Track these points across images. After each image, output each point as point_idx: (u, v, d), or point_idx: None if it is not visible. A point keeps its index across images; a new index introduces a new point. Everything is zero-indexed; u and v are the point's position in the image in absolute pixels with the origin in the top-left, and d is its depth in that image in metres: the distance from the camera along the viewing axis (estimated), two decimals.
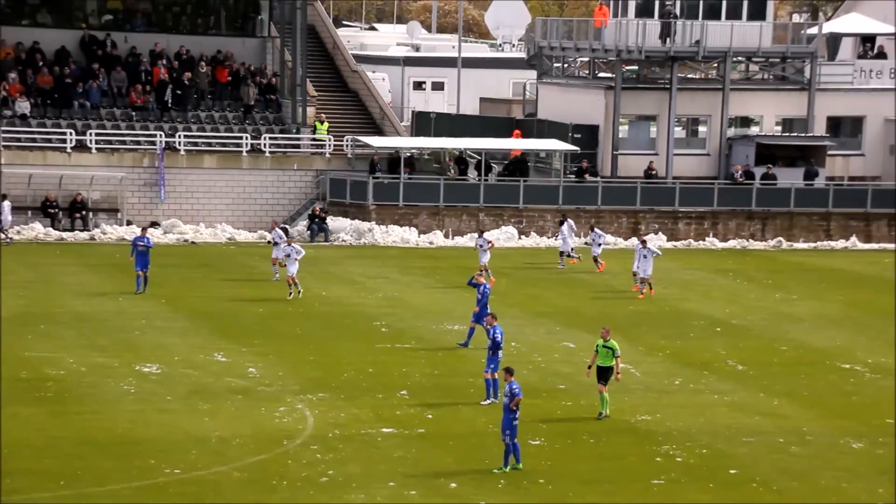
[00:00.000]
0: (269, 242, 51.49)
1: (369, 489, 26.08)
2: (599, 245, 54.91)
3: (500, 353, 31.24)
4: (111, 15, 70.59)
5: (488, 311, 38.48)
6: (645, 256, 49.16)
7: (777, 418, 30.88)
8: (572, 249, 55.09)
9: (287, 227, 61.30)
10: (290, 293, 46.06)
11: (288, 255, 46.78)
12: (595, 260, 54.27)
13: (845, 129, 71.83)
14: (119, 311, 43.49)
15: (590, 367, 32.20)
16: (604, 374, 31.63)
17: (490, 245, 51.42)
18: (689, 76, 72.16)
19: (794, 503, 24.51)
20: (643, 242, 49.95)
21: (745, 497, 24.98)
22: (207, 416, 30.89)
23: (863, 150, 71.88)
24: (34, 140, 60.85)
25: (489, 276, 46.55)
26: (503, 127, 72.29)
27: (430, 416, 31.46)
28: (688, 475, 26.55)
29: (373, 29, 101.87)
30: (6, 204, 56.35)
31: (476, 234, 55.18)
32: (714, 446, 28.51)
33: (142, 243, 46.80)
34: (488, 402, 31.43)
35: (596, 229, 55.62)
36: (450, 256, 56.45)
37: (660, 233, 63.45)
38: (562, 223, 56.71)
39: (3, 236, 56.34)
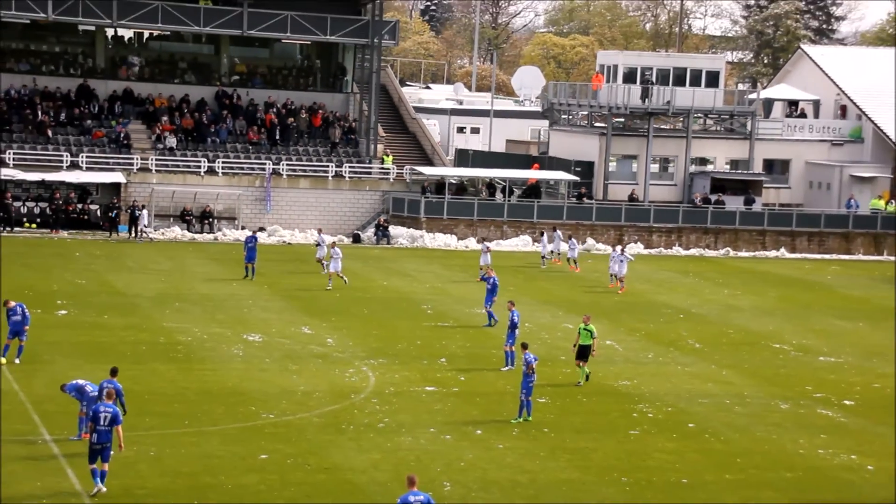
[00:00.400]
0: (315, 244, 49.05)
1: (415, 433, 25.44)
2: (574, 250, 53.26)
3: (517, 331, 30.24)
4: (238, 76, 67.14)
5: (496, 295, 37.79)
6: (621, 261, 48.15)
7: (724, 384, 29.68)
8: (551, 252, 53.36)
9: (359, 233, 59.36)
10: (329, 285, 43.84)
11: (331, 256, 44.32)
12: (571, 261, 52.94)
13: (777, 168, 69.44)
14: (232, 293, 42.39)
15: (574, 345, 31.59)
16: (583, 351, 31.07)
17: (489, 249, 49.77)
18: (662, 126, 70.42)
19: (737, 450, 23.62)
20: (621, 249, 48.49)
21: (700, 445, 24.09)
22: (295, 375, 30.12)
23: (790, 183, 69.90)
24: (178, 166, 57.72)
25: (489, 270, 45.07)
26: (523, 162, 69.22)
27: (462, 379, 30.65)
28: (657, 427, 25.74)
29: (428, 88, 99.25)
30: (145, 212, 54.45)
31: (481, 241, 53.23)
32: (677, 405, 27.67)
33: (251, 243, 45.26)
34: (507, 369, 30.66)
35: (572, 238, 54.19)
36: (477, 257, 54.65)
37: (638, 242, 59.68)
38: (554, 229, 55.10)
39: (144, 236, 54.43)
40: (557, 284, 48.15)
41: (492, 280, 36.70)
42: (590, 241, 58.93)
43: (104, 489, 19.34)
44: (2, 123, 56.52)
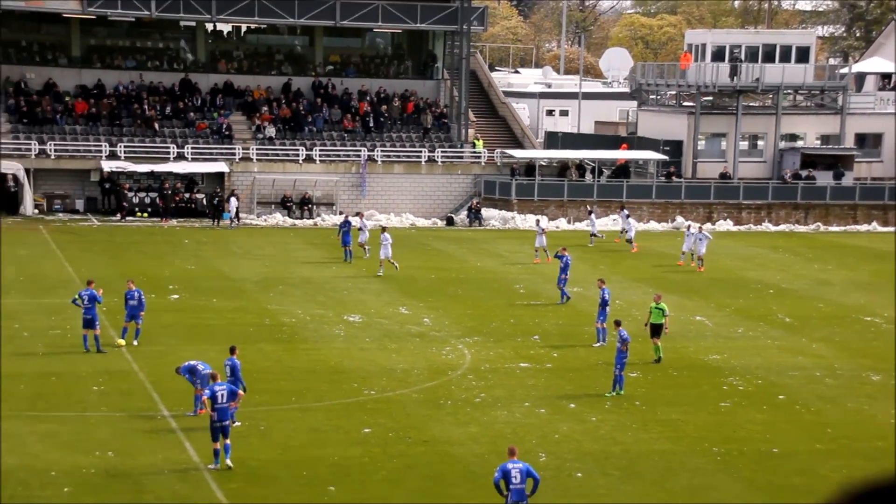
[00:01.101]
0: (358, 229, 47.51)
1: (510, 408, 25.48)
2: (631, 230, 52.88)
3: (608, 308, 30.23)
4: (332, 66, 67.67)
5: (566, 273, 37.36)
6: (700, 239, 46.86)
7: (815, 357, 29.43)
8: (624, 231, 52.42)
9: (452, 216, 60.81)
10: (380, 271, 42.26)
11: (381, 242, 42.76)
12: (630, 241, 52.73)
13: (869, 142, 67.59)
14: (333, 276, 42.71)
15: (646, 324, 31.36)
16: (656, 329, 30.79)
17: (544, 231, 48.22)
18: (751, 104, 69.10)
19: (828, 420, 23.55)
20: (699, 227, 47.35)
21: (791, 416, 24.10)
22: (394, 353, 30.43)
23: (882, 157, 67.99)
24: (277, 155, 58.72)
25: (546, 255, 44.44)
26: (612, 142, 68.27)
27: (555, 355, 30.70)
28: (747, 399, 25.68)
29: (517, 72, 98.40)
30: (234, 200, 54.77)
31: (537, 221, 51.75)
32: (767, 378, 27.53)
33: (345, 227, 45.18)
34: (598, 345, 30.67)
35: (630, 217, 53.70)
36: (570, 237, 54.32)
37: (728, 219, 59.15)
38: (622, 208, 54.68)
39: (235, 222, 54.80)
40: (645, 262, 48.15)
41: (565, 259, 36.50)
42: (679, 218, 58.11)
43: (231, 465, 20.33)
44: (112, 118, 58.19)
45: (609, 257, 47.89)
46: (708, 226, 54.31)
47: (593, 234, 52.42)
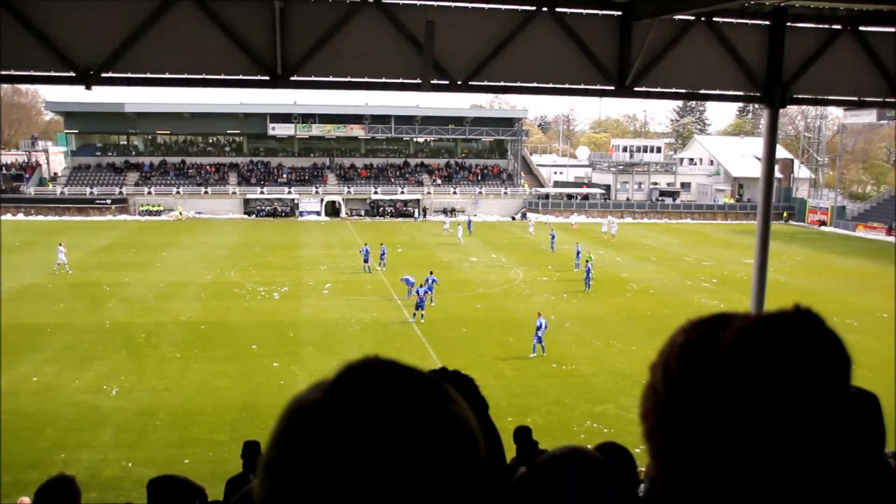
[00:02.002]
0: (467, 222, 67.53)
1: (539, 296, 39.44)
2: (614, 226, 68.97)
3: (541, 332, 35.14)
4: (464, 153, 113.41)
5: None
6: (613, 224, 61.90)
7: None
8: None
9: (514, 216, 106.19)
10: (460, 242, 59.03)
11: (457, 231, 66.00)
12: (612, 235, 68.29)
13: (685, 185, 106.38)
14: (453, 241, 64.01)
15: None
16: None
17: (575, 225, 67.26)
18: (637, 168, 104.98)
19: None
20: (614, 221, 62.82)
21: None
22: (490, 273, 46.58)
23: (691, 191, 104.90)
24: (441, 190, 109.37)
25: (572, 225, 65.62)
26: (579, 185, 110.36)
27: (557, 274, 45.89)
28: None
29: (540, 156, 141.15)
30: (419, 209, 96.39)
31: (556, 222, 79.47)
32: None
33: (469, 223, 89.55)
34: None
35: (612, 219, 74.12)
36: (563, 227, 79.77)
37: (625, 217, 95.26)
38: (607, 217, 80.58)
39: (417, 219, 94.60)
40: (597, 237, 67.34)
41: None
42: (609, 217, 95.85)
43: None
44: (378, 178, 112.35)
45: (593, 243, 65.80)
46: (612, 218, 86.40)
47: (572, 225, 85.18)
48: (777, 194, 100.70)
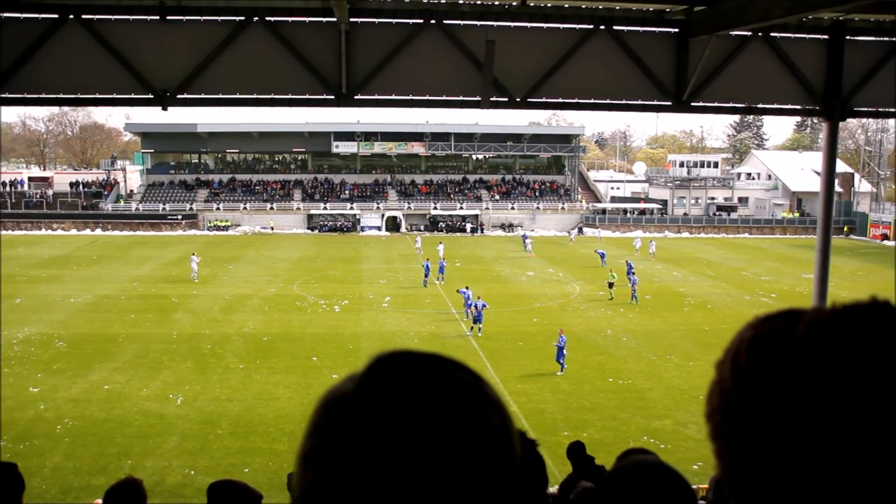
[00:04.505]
0: (523, 236, 78.85)
1: (595, 311, 40.68)
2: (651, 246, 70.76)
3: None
4: (522, 169, 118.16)
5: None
6: (651, 242, 63.44)
7: None
8: None
9: (570, 232, 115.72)
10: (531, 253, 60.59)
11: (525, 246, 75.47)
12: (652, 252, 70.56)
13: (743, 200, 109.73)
14: (518, 255, 68.29)
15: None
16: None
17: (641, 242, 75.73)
18: (694, 183, 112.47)
19: None
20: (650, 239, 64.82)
21: None
22: (547, 287, 48.43)
23: (748, 206, 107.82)
24: (499, 206, 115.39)
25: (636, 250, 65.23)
26: (636, 200, 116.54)
27: (600, 293, 48.16)
28: None
29: (596, 171, 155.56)
30: (473, 224, 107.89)
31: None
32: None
33: (526, 238, 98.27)
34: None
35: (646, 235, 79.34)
36: (615, 241, 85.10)
37: (683, 232, 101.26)
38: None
39: (474, 234, 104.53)
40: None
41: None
42: (666, 232, 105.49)
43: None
44: (436, 194, 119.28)
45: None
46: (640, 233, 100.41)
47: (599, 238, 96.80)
48: (837, 208, 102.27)
